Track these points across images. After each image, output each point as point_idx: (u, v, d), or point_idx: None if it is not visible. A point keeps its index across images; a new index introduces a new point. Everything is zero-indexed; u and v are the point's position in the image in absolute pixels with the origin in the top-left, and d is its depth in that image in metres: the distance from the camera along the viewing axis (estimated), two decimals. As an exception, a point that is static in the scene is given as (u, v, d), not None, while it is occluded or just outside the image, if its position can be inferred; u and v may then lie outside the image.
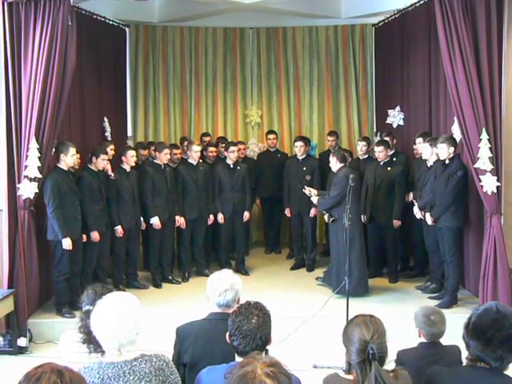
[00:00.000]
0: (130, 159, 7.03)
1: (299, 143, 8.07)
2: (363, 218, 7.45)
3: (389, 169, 7.25)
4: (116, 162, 7.21)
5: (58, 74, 5.99)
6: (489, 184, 5.89)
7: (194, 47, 9.58)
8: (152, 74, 9.45)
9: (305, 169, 7.93)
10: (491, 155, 5.88)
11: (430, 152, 6.59)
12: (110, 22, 8.56)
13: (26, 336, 5.90)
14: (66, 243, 6.06)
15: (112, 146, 7.33)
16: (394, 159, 7.46)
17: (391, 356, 2.73)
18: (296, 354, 5.28)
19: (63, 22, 5.97)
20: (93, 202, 6.53)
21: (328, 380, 2.68)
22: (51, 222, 6.08)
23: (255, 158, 9.23)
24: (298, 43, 9.67)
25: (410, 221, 7.31)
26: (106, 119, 8.21)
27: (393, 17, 8.49)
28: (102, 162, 6.64)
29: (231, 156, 7.75)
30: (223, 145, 8.33)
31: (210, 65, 9.63)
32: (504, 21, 5.92)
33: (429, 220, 6.47)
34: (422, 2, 7.41)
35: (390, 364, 2.74)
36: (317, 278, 7.39)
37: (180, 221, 7.48)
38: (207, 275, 4.23)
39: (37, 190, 6.01)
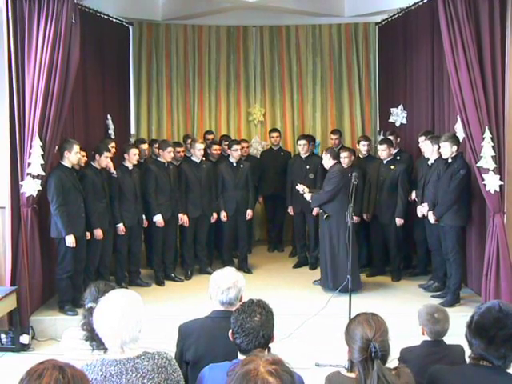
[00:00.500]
0: (132, 157, 7.04)
1: (302, 141, 8.08)
2: (365, 216, 7.47)
3: (392, 167, 7.24)
4: (118, 159, 7.22)
5: (62, 71, 5.99)
6: (492, 183, 5.88)
7: (198, 45, 9.58)
8: (155, 71, 9.46)
9: (308, 167, 7.93)
10: (494, 154, 5.87)
11: (430, 150, 6.60)
12: (114, 20, 8.56)
13: (28, 333, 5.91)
14: (70, 240, 6.07)
15: (113, 144, 7.32)
16: (398, 158, 7.45)
17: (394, 354, 2.73)
18: (298, 352, 5.29)
19: (67, 20, 5.97)
20: (96, 200, 6.53)
21: (330, 378, 2.68)
22: (55, 219, 6.08)
23: (258, 156, 9.23)
24: (301, 42, 9.66)
25: (412, 219, 7.31)
26: (109, 117, 8.21)
27: (396, 15, 8.48)
28: (105, 160, 6.64)
29: (234, 154, 7.76)
30: (226, 143, 8.34)
31: (213, 63, 9.63)
32: (507, 19, 5.89)
33: (431, 219, 6.47)
34: (425, 1, 7.40)
35: (392, 362, 2.74)
36: (314, 282, 7.35)
37: (183, 219, 7.49)
38: (210, 273, 4.22)
39: (40, 188, 6.02)
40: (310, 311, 6.14)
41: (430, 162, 6.71)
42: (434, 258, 6.99)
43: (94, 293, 3.36)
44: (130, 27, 9.21)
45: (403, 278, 7.44)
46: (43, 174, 6.01)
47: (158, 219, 7.21)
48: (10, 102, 6.03)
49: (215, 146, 8.22)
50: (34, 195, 6.02)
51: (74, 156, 6.21)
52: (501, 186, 5.93)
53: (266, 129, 9.66)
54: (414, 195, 7.15)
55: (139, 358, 2.56)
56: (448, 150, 6.22)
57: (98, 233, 6.52)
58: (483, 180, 5.91)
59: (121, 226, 6.90)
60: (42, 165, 5.98)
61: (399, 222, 7.19)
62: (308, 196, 7.09)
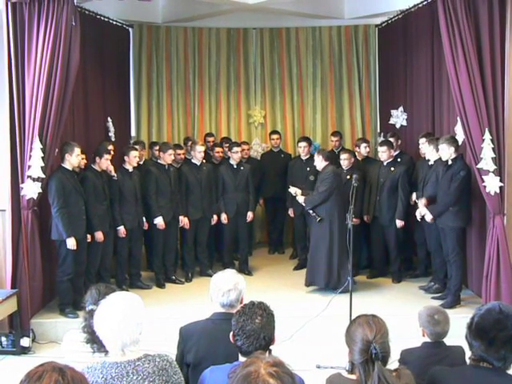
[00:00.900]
0: (132, 159, 7.04)
1: (303, 143, 8.09)
2: (366, 217, 7.48)
3: (392, 169, 7.24)
4: (118, 162, 7.22)
5: (62, 74, 6.00)
6: (492, 184, 5.88)
7: (198, 48, 9.59)
8: (155, 74, 9.46)
9: (308, 169, 7.94)
10: (494, 156, 5.87)
11: (429, 150, 6.61)
12: (114, 23, 8.57)
13: (29, 336, 5.91)
14: (71, 243, 6.07)
15: (111, 147, 7.31)
16: (399, 160, 7.45)
17: (394, 356, 2.73)
18: (299, 354, 5.29)
19: (67, 22, 5.98)
20: (97, 202, 6.53)
21: (331, 380, 2.68)
22: (56, 221, 6.08)
23: (258, 159, 9.24)
24: (301, 44, 9.67)
25: (413, 221, 7.31)
26: (109, 119, 8.22)
27: (396, 17, 8.49)
28: (105, 162, 6.64)
29: (235, 156, 7.77)
30: (227, 145, 8.34)
31: (213, 65, 9.64)
32: (507, 21, 5.89)
33: (428, 217, 6.48)
34: (425, 3, 7.41)
35: (393, 364, 2.74)
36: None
37: (183, 221, 7.49)
38: (210, 275, 4.23)
39: (40, 190, 6.02)
40: (311, 313, 6.14)
41: (430, 163, 6.72)
42: (434, 260, 6.99)
43: (95, 295, 3.35)
44: (130, 30, 9.22)
45: (404, 280, 7.45)
46: (43, 176, 6.01)
47: (159, 221, 7.21)
48: (10, 105, 6.02)
49: (218, 149, 8.24)
50: (35, 198, 6.02)
51: (74, 158, 6.21)
52: (501, 188, 5.93)
53: (267, 131, 9.67)
54: (414, 197, 7.14)
55: (140, 361, 2.56)
56: (446, 152, 6.23)
57: (99, 235, 6.52)
58: (483, 181, 5.91)
59: (121, 229, 6.90)
60: (42, 167, 5.98)
61: (399, 223, 7.19)
62: (301, 199, 7.12)
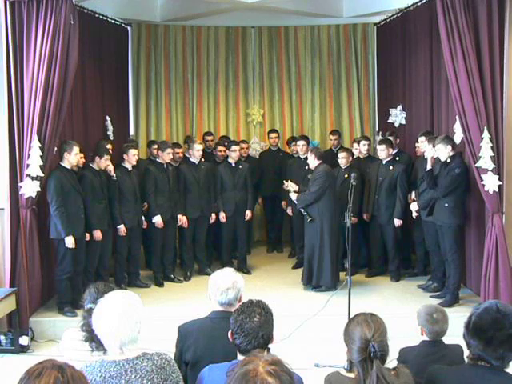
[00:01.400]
0: (131, 158, 7.04)
1: (301, 142, 8.10)
2: (365, 216, 7.48)
3: (391, 168, 7.25)
4: (116, 160, 7.21)
5: (60, 72, 5.99)
6: (490, 183, 5.89)
7: (196, 46, 9.59)
8: (154, 73, 9.46)
9: (307, 168, 7.91)
10: (493, 154, 5.88)
11: (428, 149, 6.61)
12: (112, 21, 8.56)
13: (27, 335, 5.91)
14: (69, 241, 6.07)
15: (110, 145, 7.29)
16: (397, 158, 7.45)
17: (393, 354, 2.74)
18: (298, 353, 5.29)
19: (65, 21, 5.97)
20: (95, 201, 6.53)
21: (330, 378, 2.68)
22: (54, 220, 6.08)
23: (257, 157, 9.24)
24: (299, 42, 9.67)
25: (411, 220, 7.32)
26: (108, 118, 8.21)
27: (395, 16, 8.49)
28: (104, 163, 6.65)
29: (233, 155, 7.77)
30: (225, 144, 8.34)
31: (211, 64, 9.64)
32: (505, 19, 5.91)
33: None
34: (423, 1, 7.40)
35: (391, 362, 2.74)
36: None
37: (182, 220, 7.49)
38: (209, 274, 4.23)
39: (39, 189, 6.02)
40: (309, 312, 6.14)
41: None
42: (432, 259, 7.00)
43: (94, 294, 3.35)
44: (129, 28, 9.22)
45: (402, 279, 7.45)
46: (42, 175, 6.01)
47: (157, 220, 7.21)
48: (8, 104, 6.02)
49: (220, 148, 8.25)
50: (33, 196, 6.02)
51: (73, 157, 6.21)
52: (499, 186, 5.94)
53: (265, 130, 9.67)
54: (413, 195, 7.15)
55: (138, 359, 2.55)
56: (443, 152, 6.24)
57: (97, 234, 6.52)
58: (482, 180, 5.92)
59: (122, 228, 6.89)
60: (40, 166, 5.98)
61: (398, 222, 7.19)
62: (294, 196, 7.16)
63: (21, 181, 6.01)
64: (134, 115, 9.46)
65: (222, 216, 7.73)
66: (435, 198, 6.37)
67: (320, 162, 6.99)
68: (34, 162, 5.96)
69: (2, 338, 5.87)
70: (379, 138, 8.87)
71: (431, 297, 6.65)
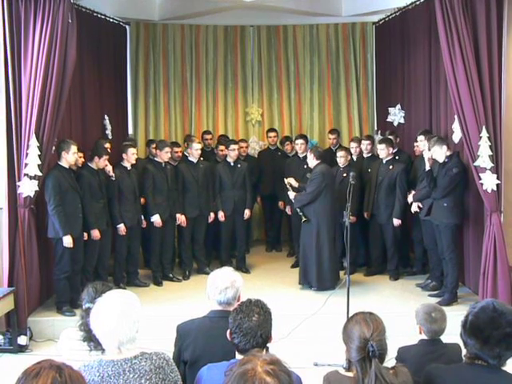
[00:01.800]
0: (130, 157, 7.04)
1: (300, 141, 8.11)
2: (366, 214, 7.49)
3: (391, 167, 7.24)
4: (115, 159, 7.20)
5: (59, 71, 5.99)
6: (489, 182, 5.90)
7: (195, 45, 9.58)
8: (152, 71, 9.45)
9: (305, 167, 7.91)
10: (491, 153, 5.88)
11: (427, 149, 6.61)
12: (111, 20, 8.56)
13: (26, 334, 5.91)
14: (67, 241, 6.06)
15: (108, 145, 7.28)
16: (397, 157, 7.45)
17: (391, 353, 2.73)
18: (296, 352, 5.29)
19: (63, 20, 5.97)
20: (93, 200, 6.52)
21: (328, 377, 2.68)
22: (52, 219, 6.08)
23: (256, 156, 9.24)
24: (298, 41, 9.67)
25: (410, 219, 7.32)
26: (106, 117, 8.21)
27: (393, 15, 8.49)
28: (103, 163, 6.64)
29: (231, 154, 7.76)
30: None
31: (210, 63, 9.63)
32: (504, 19, 5.91)
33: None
34: (422, 1, 7.40)
35: (390, 361, 2.74)
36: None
37: (181, 219, 7.49)
38: (208, 273, 4.22)
39: (37, 188, 6.01)
40: (308, 311, 6.15)
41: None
42: (430, 258, 7.00)
43: (92, 293, 3.34)
44: (127, 27, 9.22)
45: (401, 278, 7.46)
46: (40, 174, 6.00)
47: (156, 219, 7.21)
48: (6, 103, 6.01)
49: (221, 147, 8.25)
50: (31, 196, 6.01)
51: (71, 156, 6.20)
52: (498, 185, 5.95)
53: (264, 129, 9.66)
54: (412, 195, 7.14)
55: (137, 359, 2.55)
56: (440, 153, 6.26)
57: (95, 233, 6.51)
58: (480, 179, 5.92)
59: (122, 227, 6.89)
60: (39, 165, 5.97)
61: (397, 222, 7.19)
62: (291, 195, 7.16)
63: (19, 180, 6.00)
64: (132, 114, 9.46)
65: (221, 215, 7.73)
66: (434, 199, 6.37)
67: (319, 161, 6.98)
68: (32, 162, 5.95)
69: (1, 337, 5.87)
70: (378, 137, 8.88)
71: (430, 295, 6.65)
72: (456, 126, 6.44)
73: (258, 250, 9.18)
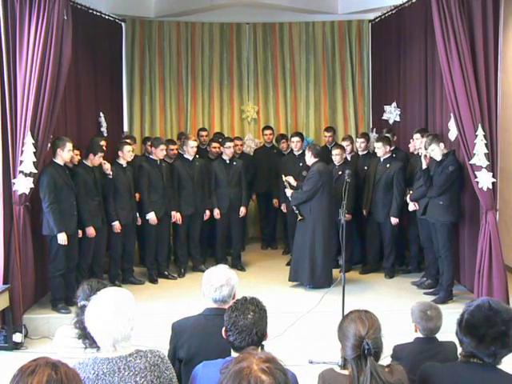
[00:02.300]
0: (126, 154, 7.02)
1: (296, 138, 8.11)
2: (365, 212, 7.49)
3: (388, 165, 7.24)
4: (110, 157, 7.19)
5: (54, 68, 5.96)
6: (484, 180, 5.90)
7: (191, 42, 9.56)
8: (148, 69, 9.43)
9: (301, 164, 7.92)
10: (487, 151, 5.89)
11: (423, 147, 6.62)
12: (106, 17, 8.53)
13: (21, 332, 5.89)
14: (62, 238, 6.05)
15: (104, 142, 7.26)
16: (394, 156, 7.45)
17: (387, 351, 2.74)
18: (292, 350, 5.31)
19: (58, 17, 5.94)
20: (88, 198, 6.51)
21: (323, 375, 2.67)
22: (47, 216, 6.06)
23: (252, 154, 9.23)
24: (294, 39, 9.67)
25: (406, 217, 7.33)
26: (101, 114, 8.19)
27: (389, 13, 8.49)
28: (98, 160, 6.63)
29: (227, 152, 7.76)
30: (219, 140, 8.33)
31: (206, 60, 9.62)
32: (500, 17, 5.92)
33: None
34: (418, -2, 7.41)
35: (385, 359, 2.74)
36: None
37: (176, 216, 7.48)
38: (203, 271, 4.22)
39: (32, 186, 5.99)
40: (304, 309, 6.15)
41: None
42: (426, 256, 7.02)
43: (87, 291, 3.34)
44: (123, 24, 9.19)
45: (396, 276, 7.47)
46: (35, 171, 5.98)
47: (151, 217, 7.20)
48: (1, 100, 5.97)
49: (214, 144, 8.24)
50: (27, 193, 5.99)
51: (66, 153, 6.19)
52: (493, 184, 5.95)
53: (260, 126, 9.66)
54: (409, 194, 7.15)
55: (132, 356, 2.55)
56: (437, 151, 6.27)
57: (90, 231, 6.50)
58: (476, 177, 5.93)
59: (116, 224, 6.88)
60: (34, 162, 5.95)
61: (394, 220, 7.19)
62: (289, 192, 7.16)
63: (14, 177, 5.97)
64: (128, 112, 9.44)
65: (217, 213, 7.73)
66: (430, 197, 6.38)
67: (316, 160, 6.97)
68: (27, 159, 5.93)
69: (-4, 335, 5.86)
70: (373, 135, 8.89)
71: (425, 293, 6.66)
72: (452, 124, 6.45)
73: (253, 248, 9.18)
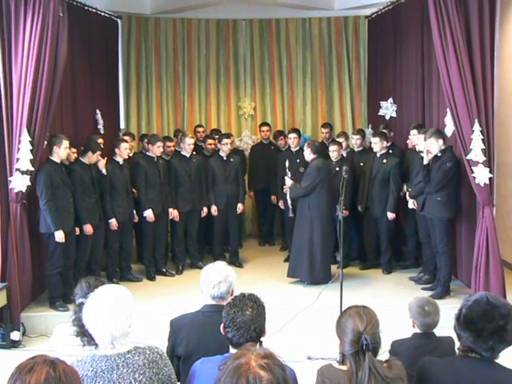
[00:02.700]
0: (123, 151, 7.00)
1: (293, 135, 8.10)
2: (360, 207, 7.49)
3: (384, 161, 7.25)
4: (107, 154, 7.17)
5: (50, 65, 5.95)
6: (481, 175, 5.91)
7: (187, 39, 9.55)
8: (145, 66, 9.42)
9: (298, 161, 7.92)
10: (484, 147, 5.89)
11: (421, 143, 6.62)
12: (102, 14, 8.51)
13: (19, 330, 5.88)
14: (59, 236, 6.04)
15: (101, 139, 7.25)
16: (390, 151, 7.45)
17: (385, 347, 2.74)
18: (290, 346, 5.31)
19: (54, 13, 5.92)
20: (85, 195, 6.49)
21: (322, 371, 2.68)
22: (44, 214, 6.05)
23: (249, 150, 9.23)
24: (291, 35, 9.66)
25: (403, 212, 7.33)
26: (98, 111, 8.17)
27: (386, 8, 8.49)
28: (96, 157, 6.62)
29: (224, 148, 7.75)
30: (216, 137, 8.32)
31: (202, 57, 9.61)
32: (496, 12, 5.92)
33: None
34: (414, -6, 7.40)
35: (384, 354, 2.75)
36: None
37: (173, 213, 7.47)
38: (201, 267, 4.22)
39: (29, 183, 5.98)
40: (302, 304, 6.16)
41: (422, 155, 6.74)
42: (424, 251, 7.03)
43: (85, 288, 3.33)
44: (119, 21, 9.17)
45: (394, 271, 7.48)
46: (32, 169, 5.96)
47: (148, 214, 7.19)
48: (-3, 97, 5.97)
49: (210, 141, 8.25)
50: (23, 191, 5.97)
51: (63, 151, 6.17)
52: (490, 179, 5.96)
53: (257, 123, 9.66)
54: (405, 188, 7.16)
55: (130, 353, 2.55)
56: (435, 146, 6.26)
57: (88, 228, 6.49)
58: (473, 173, 5.94)
59: (113, 222, 6.87)
60: (30, 160, 5.93)
61: (391, 216, 7.20)
62: (288, 181, 7.19)
63: (10, 175, 5.96)
64: (124, 109, 9.43)
65: (214, 209, 7.73)
66: (428, 193, 6.38)
67: (315, 156, 6.97)
68: (23, 156, 5.91)
69: (-6, 333, 5.86)
70: (369, 131, 8.90)
71: (423, 289, 6.67)
72: (448, 120, 6.45)
73: (251, 245, 9.19)
